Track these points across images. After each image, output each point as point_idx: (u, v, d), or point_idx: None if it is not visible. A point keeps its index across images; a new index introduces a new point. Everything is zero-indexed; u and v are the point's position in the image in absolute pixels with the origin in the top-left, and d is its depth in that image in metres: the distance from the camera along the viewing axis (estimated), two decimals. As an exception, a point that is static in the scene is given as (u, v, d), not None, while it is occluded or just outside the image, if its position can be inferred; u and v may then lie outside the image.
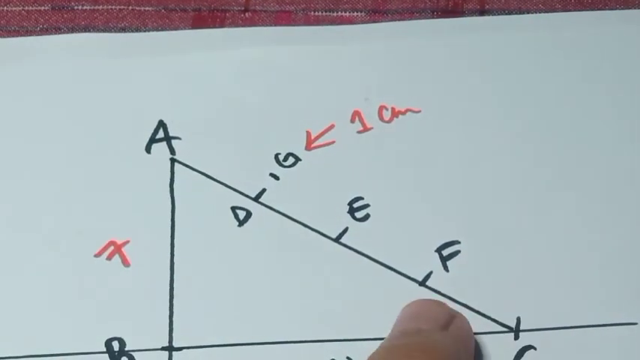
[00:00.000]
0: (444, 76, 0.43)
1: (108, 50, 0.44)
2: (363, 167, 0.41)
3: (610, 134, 0.41)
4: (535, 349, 0.36)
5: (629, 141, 0.41)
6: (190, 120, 0.42)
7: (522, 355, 0.36)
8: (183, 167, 0.41)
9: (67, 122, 0.42)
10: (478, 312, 0.37)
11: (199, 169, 0.41)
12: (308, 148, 0.41)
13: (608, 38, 0.43)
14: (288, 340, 0.37)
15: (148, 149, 0.41)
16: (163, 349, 0.37)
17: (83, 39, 0.45)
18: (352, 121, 0.42)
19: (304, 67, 0.43)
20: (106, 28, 0.45)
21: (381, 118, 0.42)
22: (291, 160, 0.41)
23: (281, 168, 0.41)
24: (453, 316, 0.35)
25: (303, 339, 0.37)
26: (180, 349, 0.37)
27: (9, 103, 0.43)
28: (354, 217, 0.39)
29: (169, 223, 0.39)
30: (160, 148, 0.42)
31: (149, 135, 0.42)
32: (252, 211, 0.40)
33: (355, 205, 0.40)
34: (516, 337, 0.37)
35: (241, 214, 0.40)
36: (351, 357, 0.36)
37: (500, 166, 0.40)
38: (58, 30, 0.45)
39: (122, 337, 0.37)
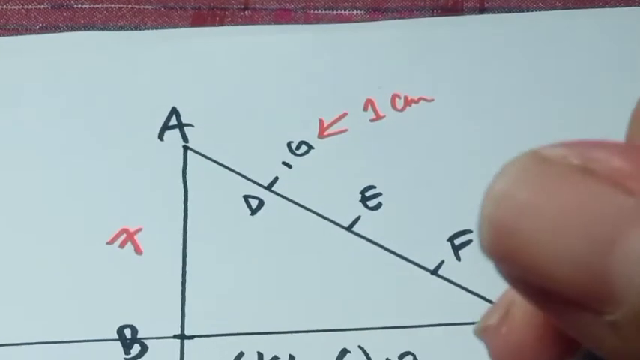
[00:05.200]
0: (458, 66, 0.42)
1: (115, 44, 0.44)
2: (375, 156, 0.40)
3: (610, 128, 0.40)
4: (547, 338, 0.36)
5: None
6: (203, 108, 0.42)
7: (534, 345, 0.36)
8: (196, 155, 0.41)
9: (80, 112, 0.42)
10: (490, 301, 0.37)
11: (212, 157, 0.41)
12: (321, 136, 0.41)
13: (607, 35, 0.43)
14: (300, 329, 0.37)
15: (160, 136, 0.41)
16: (175, 337, 0.37)
17: (83, 37, 0.44)
18: (365, 109, 0.42)
19: (317, 55, 0.43)
20: (106, 27, 0.45)
21: (394, 107, 0.42)
22: (303, 148, 0.41)
23: (293, 156, 0.41)
24: None
25: (315, 328, 0.37)
26: (192, 337, 0.37)
27: (10, 103, 0.43)
28: (366, 206, 0.39)
29: (182, 211, 0.39)
30: (173, 135, 0.42)
31: (162, 122, 0.42)
32: (264, 199, 0.40)
33: (367, 194, 0.40)
34: (528, 327, 0.36)
35: (254, 203, 0.40)
36: (363, 346, 0.36)
37: (513, 154, 0.40)
38: (57, 28, 0.45)
39: (134, 324, 0.37)
